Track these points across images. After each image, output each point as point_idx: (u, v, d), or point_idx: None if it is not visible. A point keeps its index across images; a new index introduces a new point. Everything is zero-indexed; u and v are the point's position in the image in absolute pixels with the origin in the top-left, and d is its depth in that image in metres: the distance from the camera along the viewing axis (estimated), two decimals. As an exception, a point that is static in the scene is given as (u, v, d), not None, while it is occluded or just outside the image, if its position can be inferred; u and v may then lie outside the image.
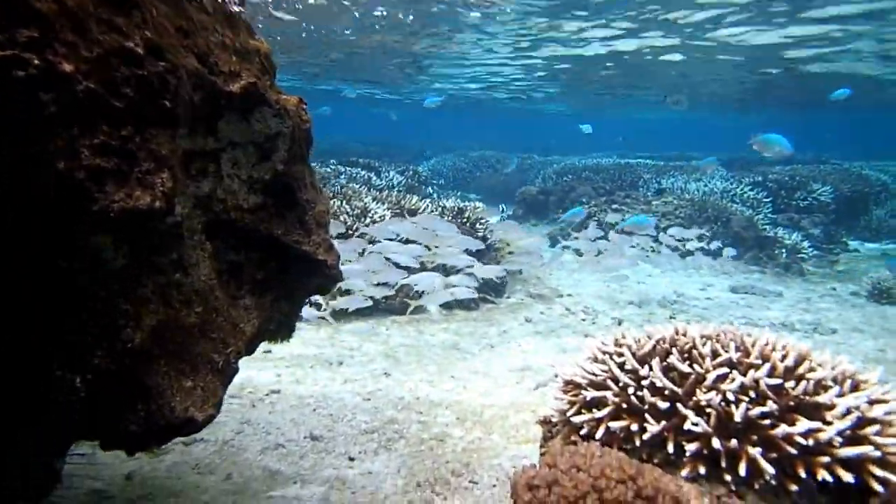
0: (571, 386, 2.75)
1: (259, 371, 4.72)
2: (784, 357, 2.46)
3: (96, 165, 1.74)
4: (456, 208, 7.42)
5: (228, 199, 2.39)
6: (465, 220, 7.33)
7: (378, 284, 5.63)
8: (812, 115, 33.97)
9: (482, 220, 7.37)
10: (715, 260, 8.97)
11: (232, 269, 2.45)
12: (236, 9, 2.47)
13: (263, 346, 5.25)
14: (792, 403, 2.28)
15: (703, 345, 2.64)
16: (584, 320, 6.61)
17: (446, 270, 6.58)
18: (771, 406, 2.24)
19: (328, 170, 10.29)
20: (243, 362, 2.56)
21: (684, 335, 2.77)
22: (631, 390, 2.49)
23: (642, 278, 8.70)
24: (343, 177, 10.03)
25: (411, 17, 11.52)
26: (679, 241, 8.63)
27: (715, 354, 2.56)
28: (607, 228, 8.98)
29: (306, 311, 5.41)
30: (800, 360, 2.45)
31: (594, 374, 2.64)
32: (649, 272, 8.98)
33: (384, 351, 5.36)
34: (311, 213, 2.64)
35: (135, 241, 1.98)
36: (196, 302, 2.23)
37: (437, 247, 5.79)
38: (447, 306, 6.76)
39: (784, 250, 9.23)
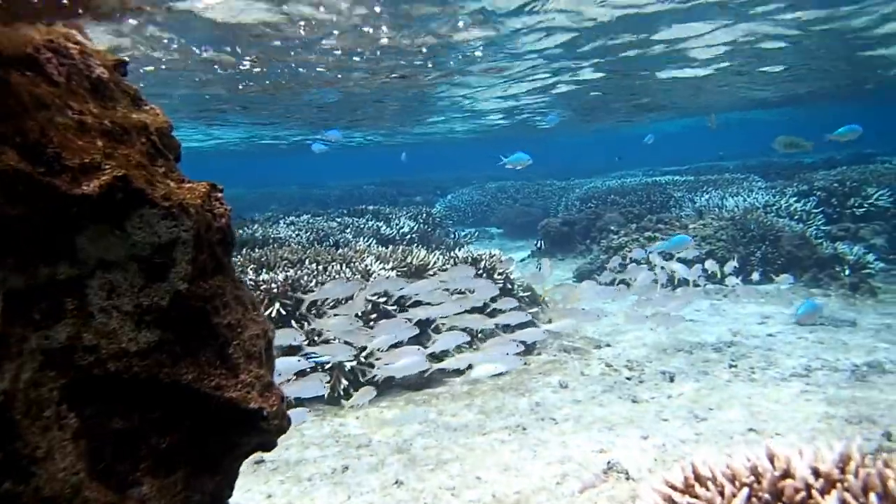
0: (631, 561, 1.89)
1: (245, 492, 3.94)
2: (968, 520, 1.58)
3: None
4: (469, 258, 6.64)
5: (104, 343, 1.65)
6: (479, 271, 6.52)
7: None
8: (842, 107, 32.46)
9: (500, 272, 6.55)
10: (771, 285, 7.97)
11: (119, 442, 1.69)
12: (104, 74, 1.77)
13: (254, 455, 4.46)
14: None
15: (826, 492, 1.77)
16: (629, 378, 5.69)
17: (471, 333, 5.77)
18: None
19: (333, 224, 9.65)
20: None
21: (788, 473, 1.89)
22: (727, 584, 1.62)
23: (689, 314, 7.72)
24: (349, 230, 9.36)
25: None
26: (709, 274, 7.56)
27: (849, 513, 1.69)
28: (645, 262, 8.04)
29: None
30: None
31: (665, 550, 1.79)
32: (697, 306, 8.01)
33: (398, 445, 4.54)
34: (238, 341, 1.89)
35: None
36: (50, 514, 1.47)
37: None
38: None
39: (847, 267, 8.18)
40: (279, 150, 31.94)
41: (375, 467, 4.23)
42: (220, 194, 1.93)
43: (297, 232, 8.90)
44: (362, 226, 9.80)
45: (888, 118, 41.50)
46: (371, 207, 12.26)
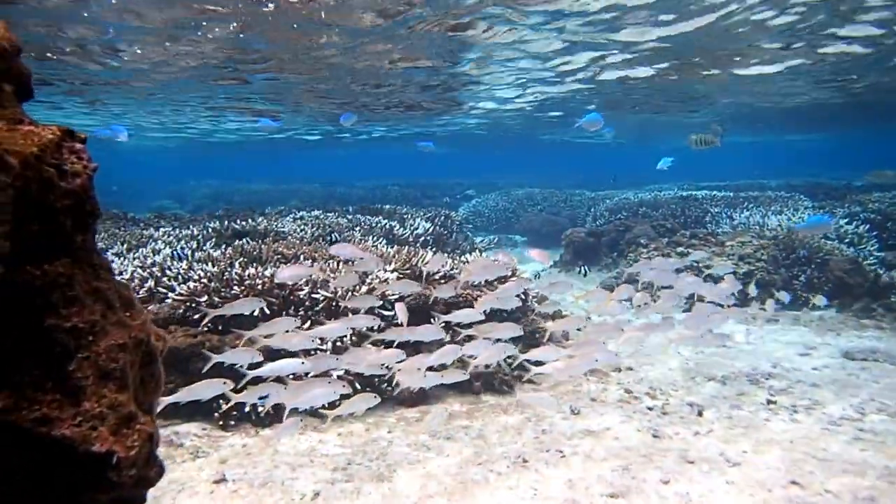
0: None
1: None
2: None
3: None
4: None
5: None
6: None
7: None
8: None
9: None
10: (815, 312, 7.17)
11: None
12: None
13: (216, 470, 3.93)
14: None
15: None
16: (650, 408, 5.02)
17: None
18: None
19: (343, 221, 9.13)
20: None
21: None
22: None
23: (723, 339, 6.97)
24: (358, 228, 8.83)
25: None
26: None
27: None
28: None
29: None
30: None
31: None
32: (731, 329, 7.26)
33: (379, 471, 3.96)
34: (88, 353, 1.34)
35: None
36: None
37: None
38: (473, 391, 5.35)
39: (904, 298, 7.33)
40: (305, 145, 31.65)
41: (350, 496, 3.66)
42: (78, 146, 1.38)
43: (301, 227, 8.41)
44: (374, 224, 9.27)
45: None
46: (387, 207, 11.75)
